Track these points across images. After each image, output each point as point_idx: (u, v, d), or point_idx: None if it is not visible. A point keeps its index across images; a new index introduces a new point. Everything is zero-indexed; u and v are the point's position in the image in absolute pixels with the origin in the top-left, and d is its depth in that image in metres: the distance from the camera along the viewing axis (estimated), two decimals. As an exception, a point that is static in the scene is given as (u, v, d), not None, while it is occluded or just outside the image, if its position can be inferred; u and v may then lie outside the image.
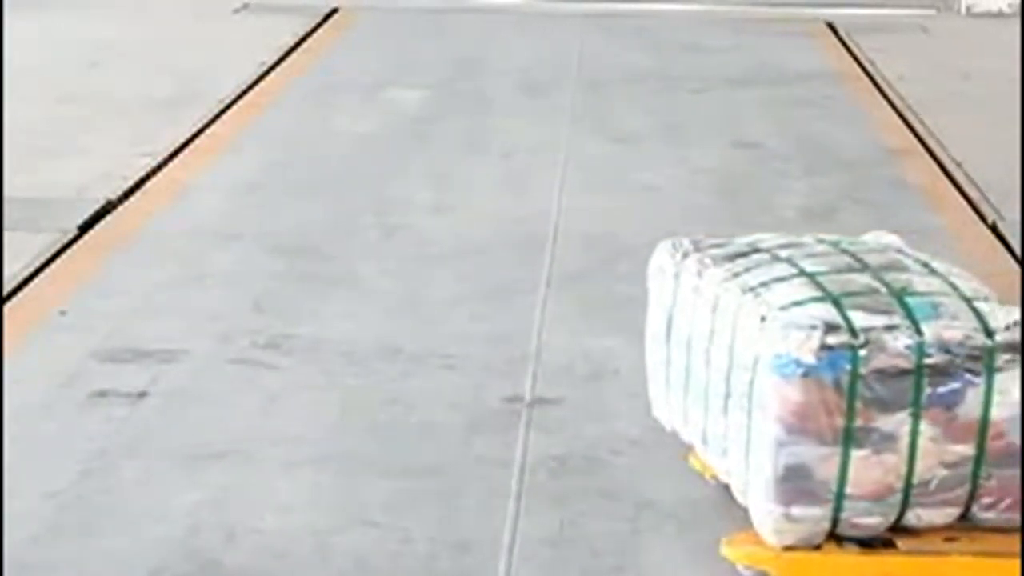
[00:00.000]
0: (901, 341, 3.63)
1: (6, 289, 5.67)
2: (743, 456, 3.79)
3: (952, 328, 3.67)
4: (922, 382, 3.64)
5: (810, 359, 3.61)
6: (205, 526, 4.05)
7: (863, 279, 3.87)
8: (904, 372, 3.62)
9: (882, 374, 3.61)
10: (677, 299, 4.10)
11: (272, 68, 9.53)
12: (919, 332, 3.66)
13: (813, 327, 3.63)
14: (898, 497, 3.70)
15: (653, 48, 10.24)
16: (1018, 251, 6.17)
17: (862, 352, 3.61)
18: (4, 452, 4.36)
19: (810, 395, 3.62)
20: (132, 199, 6.89)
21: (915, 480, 3.68)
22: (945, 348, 3.64)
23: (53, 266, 5.99)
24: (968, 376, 3.64)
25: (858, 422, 3.63)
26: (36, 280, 5.84)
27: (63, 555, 3.93)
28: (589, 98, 8.82)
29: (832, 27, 10.96)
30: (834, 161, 7.52)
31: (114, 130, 7.99)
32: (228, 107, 8.52)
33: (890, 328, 3.65)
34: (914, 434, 3.64)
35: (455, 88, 9.17)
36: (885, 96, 8.86)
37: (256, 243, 6.30)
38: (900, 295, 3.78)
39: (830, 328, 3.63)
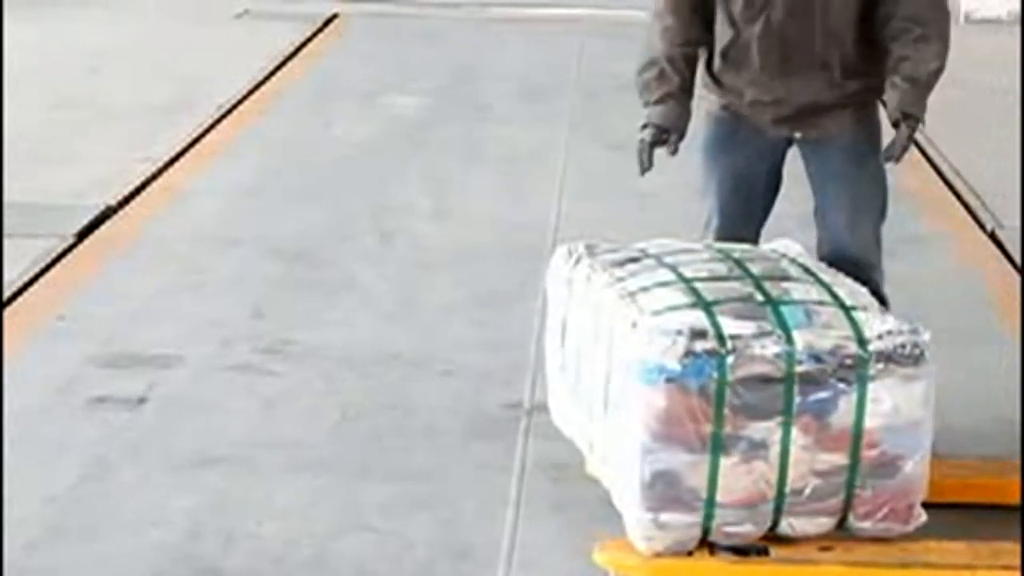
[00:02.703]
0: (770, 349, 3.59)
1: (5, 295, 5.66)
2: (618, 462, 3.77)
3: (824, 336, 3.63)
4: (792, 390, 3.59)
5: (675, 365, 3.57)
6: (204, 531, 4.05)
7: (741, 286, 3.83)
8: (773, 380, 3.58)
9: (750, 381, 3.57)
10: (570, 305, 4.09)
11: (271, 74, 9.54)
12: (790, 340, 3.62)
13: (679, 333, 3.59)
14: (770, 505, 3.67)
15: (651, 55, 10.23)
16: (1017, 258, 6.18)
17: (729, 359, 3.57)
18: (4, 457, 4.36)
19: (675, 401, 3.59)
20: (131, 204, 6.89)
21: (787, 489, 3.65)
22: (816, 356, 3.59)
23: (52, 272, 5.99)
24: (840, 385, 3.60)
25: (727, 429, 3.60)
26: (35, 286, 5.83)
27: (63, 560, 3.93)
28: (588, 105, 8.83)
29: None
30: (832, 168, 7.52)
31: (113, 135, 7.99)
32: (227, 113, 8.53)
33: (759, 335, 3.61)
34: (785, 442, 3.60)
35: (453, 94, 9.17)
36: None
37: (255, 248, 6.30)
38: (775, 303, 3.74)
39: (696, 334, 3.60)
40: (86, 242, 6.37)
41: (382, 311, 5.66)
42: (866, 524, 3.72)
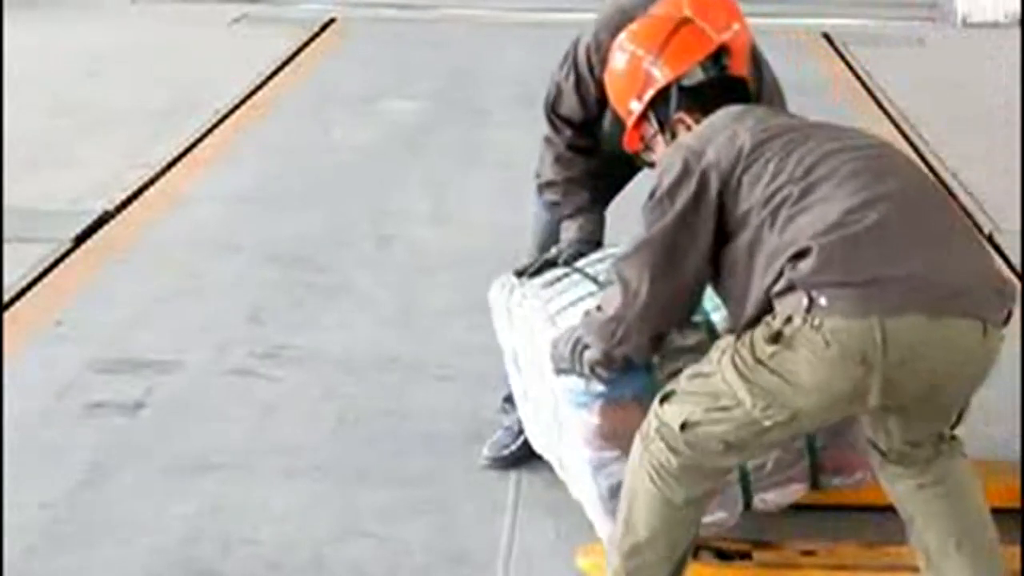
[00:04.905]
0: (691, 337, 3.61)
1: (4, 299, 5.66)
2: (578, 479, 3.80)
3: None
4: None
5: (600, 387, 3.61)
6: (201, 536, 4.06)
7: None
8: None
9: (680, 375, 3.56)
10: (514, 333, 4.10)
11: (269, 78, 9.54)
12: (709, 323, 3.63)
13: None
14: (737, 488, 3.68)
15: (650, 59, 10.21)
16: (1016, 262, 6.17)
17: (655, 359, 3.59)
18: (3, 463, 4.36)
19: (612, 417, 3.62)
20: (129, 209, 6.89)
21: (748, 467, 3.66)
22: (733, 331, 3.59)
23: (50, 276, 5.99)
24: None
25: None
26: (33, 290, 5.84)
27: (61, 564, 3.93)
28: (586, 109, 8.82)
29: (828, 38, 10.98)
30: (830, 172, 7.51)
31: (112, 140, 7.99)
32: (225, 117, 8.53)
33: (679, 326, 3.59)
34: None
35: (452, 98, 9.17)
36: (881, 107, 8.87)
37: (253, 253, 6.30)
38: None
39: None
40: (84, 247, 6.38)
41: (380, 315, 5.67)
42: (838, 479, 3.75)
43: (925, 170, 3.44)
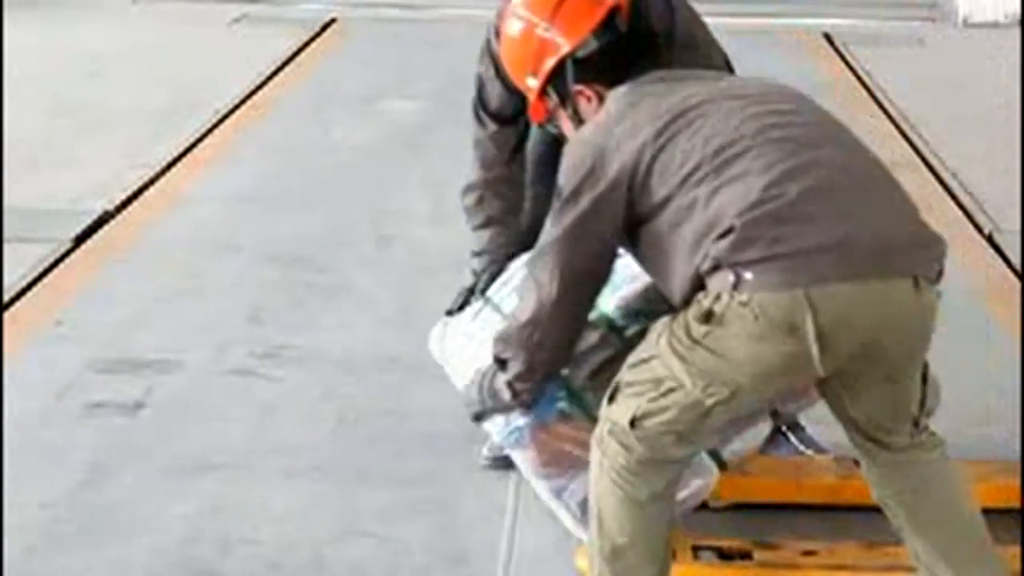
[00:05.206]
0: (591, 336, 3.59)
1: (4, 299, 5.66)
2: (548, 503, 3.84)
3: (632, 286, 3.59)
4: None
5: (522, 420, 3.62)
6: (201, 536, 4.05)
7: None
8: (613, 358, 3.55)
9: (599, 374, 3.56)
10: (458, 379, 4.10)
11: (269, 79, 9.53)
12: (606, 316, 3.61)
13: None
14: (701, 455, 3.67)
15: (650, 59, 10.21)
16: (1017, 262, 6.17)
17: (564, 371, 3.59)
18: (3, 463, 4.36)
19: (546, 442, 3.64)
20: (129, 209, 6.89)
21: None
22: (631, 309, 3.59)
23: (50, 276, 5.99)
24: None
25: None
26: (33, 291, 5.83)
27: (61, 565, 3.93)
28: (586, 109, 8.82)
29: (828, 38, 10.97)
30: (830, 172, 7.50)
31: (112, 140, 7.99)
32: (225, 117, 8.52)
33: None
34: None
35: (452, 98, 9.11)
36: (881, 107, 8.87)
37: (253, 253, 6.30)
38: None
39: None
40: (84, 247, 6.37)
41: (380, 316, 5.67)
42: (793, 404, 3.78)
43: (845, 125, 3.43)
